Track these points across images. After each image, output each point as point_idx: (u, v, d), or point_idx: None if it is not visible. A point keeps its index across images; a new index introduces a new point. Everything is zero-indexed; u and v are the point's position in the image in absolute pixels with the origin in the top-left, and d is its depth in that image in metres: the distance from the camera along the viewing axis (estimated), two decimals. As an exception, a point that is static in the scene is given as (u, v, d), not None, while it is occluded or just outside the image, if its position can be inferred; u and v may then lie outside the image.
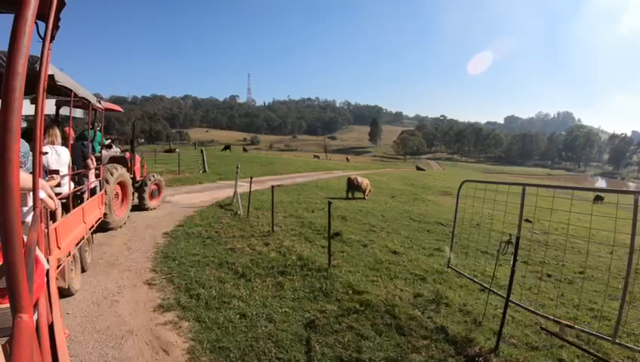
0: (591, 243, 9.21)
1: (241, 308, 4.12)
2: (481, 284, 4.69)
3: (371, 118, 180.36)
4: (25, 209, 2.11)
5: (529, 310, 4.05)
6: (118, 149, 9.06)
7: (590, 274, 6.70)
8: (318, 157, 76.44)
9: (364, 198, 15.00)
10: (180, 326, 3.67)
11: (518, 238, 3.58)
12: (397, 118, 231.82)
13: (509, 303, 3.81)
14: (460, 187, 5.07)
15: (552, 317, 3.80)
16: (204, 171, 19.54)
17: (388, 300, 4.59)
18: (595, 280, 6.51)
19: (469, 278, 5.00)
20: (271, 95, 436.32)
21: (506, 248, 3.98)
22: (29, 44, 0.77)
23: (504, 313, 3.67)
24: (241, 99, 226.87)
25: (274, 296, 4.57)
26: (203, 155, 20.62)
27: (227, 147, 55.95)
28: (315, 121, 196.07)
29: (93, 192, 5.90)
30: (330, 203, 5.80)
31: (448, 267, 5.28)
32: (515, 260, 3.60)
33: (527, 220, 10.82)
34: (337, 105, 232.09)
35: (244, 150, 71.46)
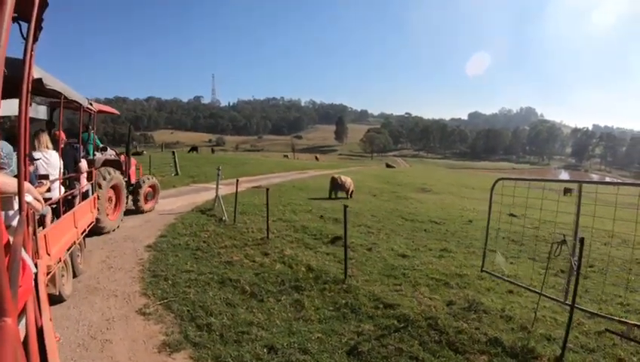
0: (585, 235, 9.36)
1: (265, 338, 3.42)
2: (531, 290, 4.34)
3: (336, 117, 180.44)
4: (11, 213, 1.99)
5: (598, 314, 3.74)
6: (113, 152, 8.67)
7: (601, 267, 6.61)
8: (287, 156, 75.57)
9: (347, 198, 14.57)
10: (199, 372, 2.91)
11: (582, 239, 3.20)
12: (362, 116, 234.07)
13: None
14: (494, 186, 4.66)
15: (617, 318, 3.50)
16: (177, 174, 18.29)
17: (424, 312, 4.11)
18: (607, 273, 6.43)
19: (521, 285, 4.63)
20: (235, 95, 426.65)
21: (559, 249, 3.61)
22: (5, 45, 0.75)
23: (569, 321, 3.30)
24: (206, 100, 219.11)
25: (297, 318, 3.91)
26: (175, 158, 19.32)
27: (194, 148, 53.87)
28: (281, 121, 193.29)
29: (85, 196, 5.63)
30: (345, 207, 5.22)
31: (482, 271, 4.88)
32: (579, 263, 3.22)
33: (512, 215, 10.86)
34: (302, 104, 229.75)
35: (212, 151, 69.11)
